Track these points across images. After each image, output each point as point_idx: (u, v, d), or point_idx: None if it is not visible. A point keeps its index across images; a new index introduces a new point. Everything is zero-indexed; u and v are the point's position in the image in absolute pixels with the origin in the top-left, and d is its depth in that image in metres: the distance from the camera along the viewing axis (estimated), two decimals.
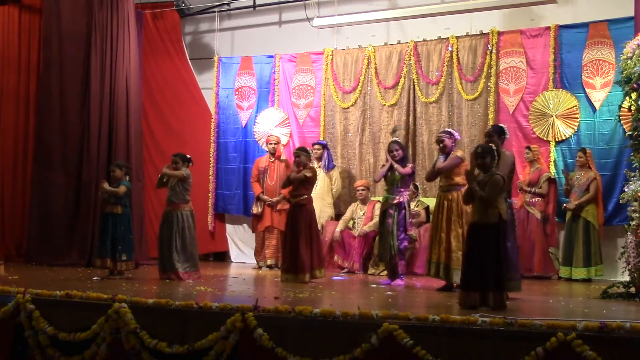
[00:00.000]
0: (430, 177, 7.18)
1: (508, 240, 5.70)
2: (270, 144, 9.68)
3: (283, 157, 9.68)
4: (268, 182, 9.58)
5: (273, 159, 9.64)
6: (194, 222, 7.58)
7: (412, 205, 8.88)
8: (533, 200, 8.56)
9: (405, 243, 7.42)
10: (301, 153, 7.72)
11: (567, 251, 8.30)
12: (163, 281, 7.20)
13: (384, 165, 7.62)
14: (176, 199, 7.46)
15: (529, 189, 8.56)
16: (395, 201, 7.38)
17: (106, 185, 7.57)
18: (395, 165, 7.39)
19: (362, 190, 9.25)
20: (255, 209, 9.56)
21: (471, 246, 5.36)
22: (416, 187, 9.01)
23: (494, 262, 5.18)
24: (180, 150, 7.91)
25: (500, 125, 6.84)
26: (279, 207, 9.43)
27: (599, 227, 8.22)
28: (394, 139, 7.64)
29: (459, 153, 6.98)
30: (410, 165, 7.55)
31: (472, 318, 4.25)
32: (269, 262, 9.38)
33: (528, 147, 8.71)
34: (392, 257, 7.32)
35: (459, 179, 6.75)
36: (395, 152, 7.44)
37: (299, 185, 7.59)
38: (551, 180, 8.59)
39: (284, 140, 10.27)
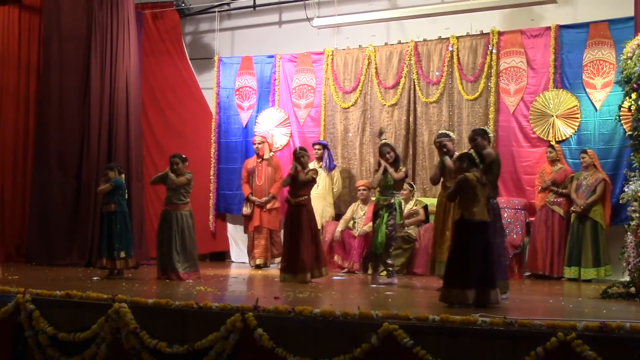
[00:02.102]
0: (437, 180, 7.17)
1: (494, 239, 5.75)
2: (254, 144, 9.70)
3: (267, 155, 9.68)
4: (256, 182, 9.59)
5: (260, 160, 9.65)
6: (193, 222, 7.63)
7: (410, 204, 8.93)
8: (558, 200, 8.46)
9: (391, 242, 7.43)
10: (305, 153, 7.78)
11: (575, 252, 8.21)
12: (163, 281, 7.20)
13: (377, 170, 7.63)
14: (177, 200, 7.50)
15: (555, 188, 8.48)
16: (386, 202, 7.39)
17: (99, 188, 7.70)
18: (390, 170, 7.40)
19: (364, 190, 9.24)
20: (245, 210, 9.60)
21: (453, 243, 5.52)
22: (411, 186, 9.01)
23: (476, 259, 5.21)
24: (181, 151, 7.93)
25: (482, 127, 6.91)
26: (268, 206, 9.45)
27: (606, 227, 8.18)
28: (384, 141, 7.66)
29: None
30: (403, 169, 7.56)
31: (472, 318, 4.25)
32: (258, 261, 9.39)
33: (551, 146, 8.61)
34: (377, 257, 7.35)
35: None
36: (387, 155, 7.46)
37: (303, 185, 7.61)
38: None
39: (284, 141, 10.27)
